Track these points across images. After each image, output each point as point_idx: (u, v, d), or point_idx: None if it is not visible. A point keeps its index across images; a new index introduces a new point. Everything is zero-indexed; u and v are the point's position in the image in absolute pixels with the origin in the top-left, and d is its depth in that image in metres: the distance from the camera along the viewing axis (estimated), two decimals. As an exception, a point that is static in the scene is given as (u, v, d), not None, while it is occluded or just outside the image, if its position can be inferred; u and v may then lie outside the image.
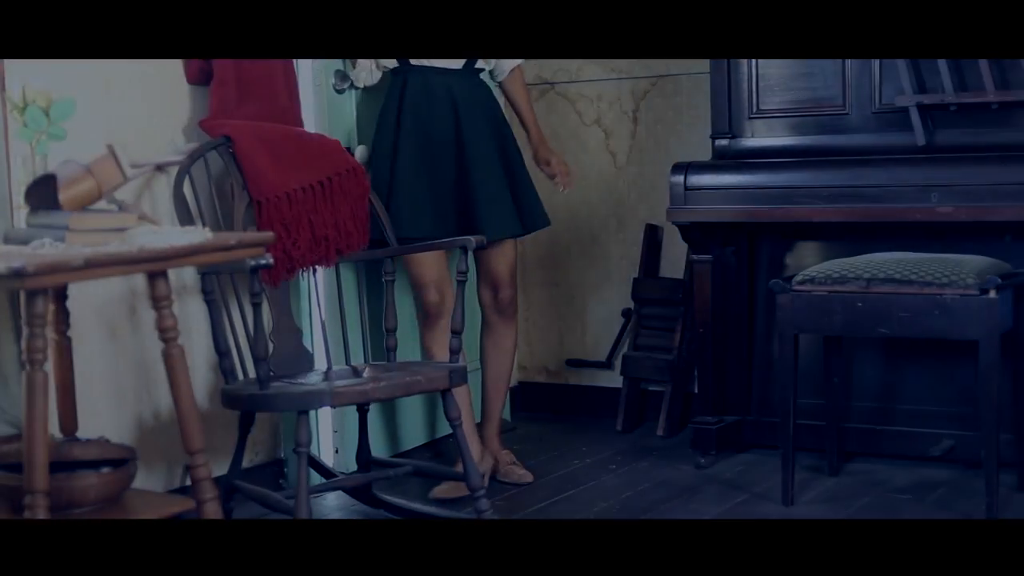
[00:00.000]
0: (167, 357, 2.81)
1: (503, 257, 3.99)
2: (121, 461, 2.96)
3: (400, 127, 3.86)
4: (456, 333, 3.50)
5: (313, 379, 3.41)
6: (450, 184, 3.86)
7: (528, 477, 4.02)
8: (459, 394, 3.60)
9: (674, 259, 4.72)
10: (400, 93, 3.89)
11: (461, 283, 3.52)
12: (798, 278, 3.65)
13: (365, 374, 3.41)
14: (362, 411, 3.72)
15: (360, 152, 3.99)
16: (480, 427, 4.15)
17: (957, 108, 3.81)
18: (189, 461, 2.84)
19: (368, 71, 3.97)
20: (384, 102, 3.94)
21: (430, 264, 3.85)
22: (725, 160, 4.10)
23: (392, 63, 3.93)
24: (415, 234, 3.76)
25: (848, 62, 3.98)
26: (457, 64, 3.91)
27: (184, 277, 3.62)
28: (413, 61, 3.88)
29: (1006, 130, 3.78)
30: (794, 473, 3.68)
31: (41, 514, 2.55)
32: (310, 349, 3.71)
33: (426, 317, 3.90)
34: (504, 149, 3.97)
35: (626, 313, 4.79)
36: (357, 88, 4.05)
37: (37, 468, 2.54)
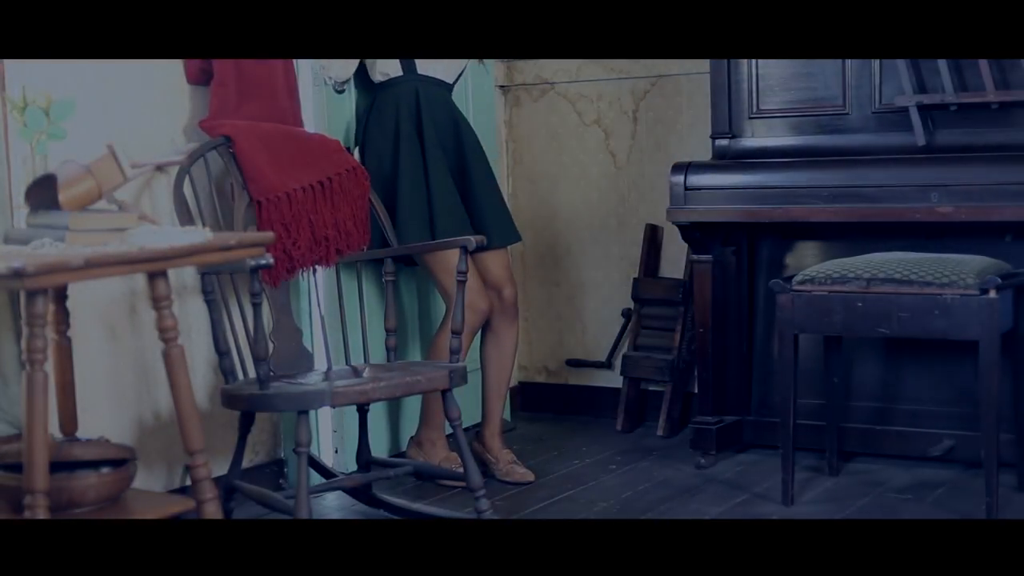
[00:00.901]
0: (167, 357, 2.81)
1: (501, 259, 4.08)
2: (121, 461, 2.96)
3: (423, 138, 3.93)
4: (456, 333, 3.50)
5: (313, 379, 3.42)
6: (459, 192, 4.00)
7: (529, 476, 4.03)
8: None
9: (674, 259, 4.72)
10: (415, 103, 3.94)
11: (461, 283, 3.52)
12: (798, 278, 3.65)
13: (365, 374, 3.41)
14: (362, 411, 3.72)
15: (359, 152, 3.99)
16: (480, 427, 4.16)
17: (957, 108, 3.81)
18: (189, 461, 2.84)
19: (343, 63, 3.94)
20: (395, 110, 3.94)
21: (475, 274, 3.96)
22: (725, 160, 4.10)
23: (397, 71, 3.95)
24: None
25: (848, 62, 3.98)
26: (450, 79, 4.03)
27: (184, 277, 3.63)
28: (420, 71, 3.93)
29: (1006, 130, 3.78)
30: (794, 473, 3.68)
31: (41, 514, 2.55)
32: (310, 349, 3.71)
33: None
34: (488, 162, 4.13)
35: (626, 313, 4.79)
36: (331, 82, 3.98)
37: (37, 468, 2.54)
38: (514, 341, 4.11)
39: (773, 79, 4.10)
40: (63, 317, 3.02)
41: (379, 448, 4.08)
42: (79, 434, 3.09)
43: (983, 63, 3.73)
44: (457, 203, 3.94)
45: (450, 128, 4.00)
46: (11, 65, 3.13)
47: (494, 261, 4.06)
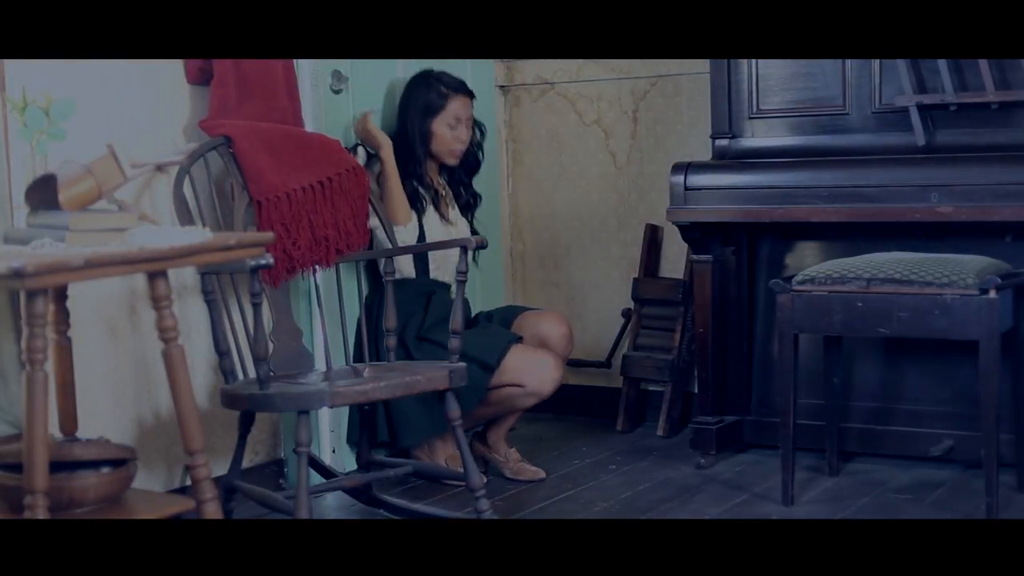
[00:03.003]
0: (167, 357, 2.81)
1: (536, 316, 4.11)
2: (121, 461, 2.95)
3: (427, 326, 3.97)
4: (456, 333, 3.49)
5: (313, 379, 3.42)
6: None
7: (540, 473, 4.03)
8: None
9: (674, 259, 4.72)
10: (426, 302, 4.01)
11: (461, 283, 3.52)
12: (798, 278, 3.65)
13: (365, 374, 3.41)
14: (362, 411, 3.72)
15: (360, 153, 3.99)
16: (484, 428, 4.14)
17: (957, 108, 3.81)
18: (189, 461, 2.84)
19: (410, 230, 3.98)
20: (406, 307, 3.93)
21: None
22: (725, 160, 4.10)
23: (411, 273, 4.04)
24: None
25: (848, 62, 3.98)
26: (449, 279, 4.07)
27: (184, 277, 3.62)
28: (432, 276, 4.06)
29: (1006, 130, 3.78)
30: (794, 473, 3.68)
31: (41, 514, 2.54)
32: (310, 349, 3.71)
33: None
34: None
35: (626, 313, 4.79)
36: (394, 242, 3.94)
37: (37, 468, 2.54)
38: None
39: (773, 79, 4.10)
40: (63, 317, 3.02)
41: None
42: (79, 434, 3.09)
43: (983, 63, 3.73)
44: (474, 334, 3.94)
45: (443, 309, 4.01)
46: (11, 65, 3.13)
47: (531, 319, 4.08)
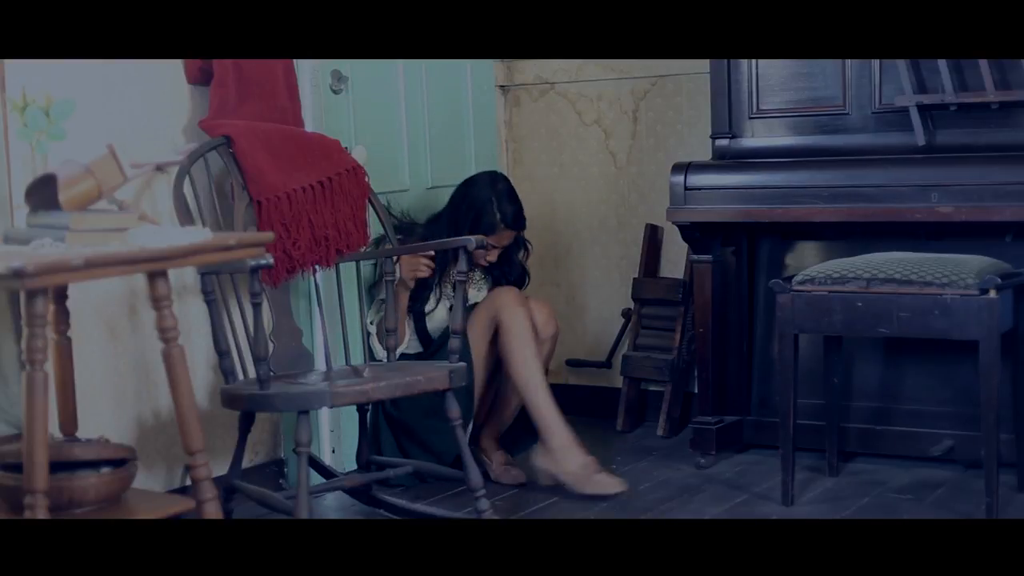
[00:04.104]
0: (167, 357, 2.81)
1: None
2: (121, 461, 2.96)
3: None
4: (456, 333, 3.49)
5: (313, 379, 3.42)
6: None
7: (521, 478, 4.01)
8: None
9: (674, 259, 4.72)
10: None
11: (461, 283, 3.52)
12: (798, 278, 3.65)
13: (365, 374, 3.41)
14: (362, 411, 3.72)
15: (359, 152, 3.99)
16: (483, 423, 4.14)
17: (957, 108, 3.81)
18: (189, 461, 2.84)
19: (407, 342, 4.04)
20: None
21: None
22: (725, 160, 4.10)
23: (418, 348, 4.06)
24: None
25: (848, 62, 3.98)
26: None
27: (184, 277, 3.62)
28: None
29: (1006, 130, 3.78)
30: (794, 473, 3.68)
31: (41, 514, 2.55)
32: (310, 349, 3.71)
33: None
34: None
35: (626, 313, 4.79)
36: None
37: (37, 468, 2.54)
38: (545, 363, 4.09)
39: (773, 79, 4.10)
40: (63, 317, 3.02)
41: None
42: (79, 434, 3.09)
43: (983, 63, 3.73)
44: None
45: None
46: (11, 65, 3.13)
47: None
